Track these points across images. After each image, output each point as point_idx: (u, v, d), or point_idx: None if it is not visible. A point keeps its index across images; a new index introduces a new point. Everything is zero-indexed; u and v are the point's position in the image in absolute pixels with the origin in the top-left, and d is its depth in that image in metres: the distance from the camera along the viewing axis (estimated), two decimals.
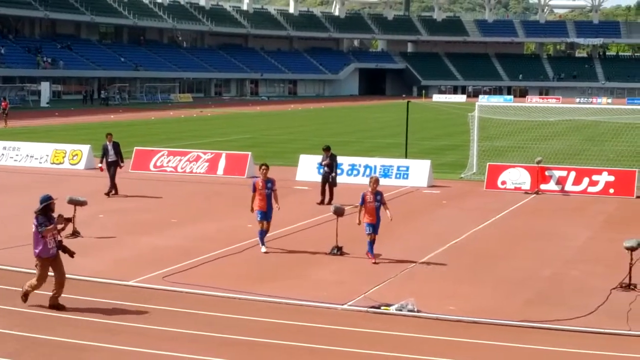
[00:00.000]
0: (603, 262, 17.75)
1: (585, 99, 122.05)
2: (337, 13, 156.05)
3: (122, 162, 26.79)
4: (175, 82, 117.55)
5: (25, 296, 13.85)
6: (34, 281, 13.77)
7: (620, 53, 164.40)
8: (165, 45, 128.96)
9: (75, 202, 20.10)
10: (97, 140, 43.72)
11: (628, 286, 15.43)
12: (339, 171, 27.46)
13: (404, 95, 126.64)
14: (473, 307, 14.08)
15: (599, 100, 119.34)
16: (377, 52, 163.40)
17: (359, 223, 17.42)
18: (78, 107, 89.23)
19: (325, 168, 25.29)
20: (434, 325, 13.19)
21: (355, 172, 30.45)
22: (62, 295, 13.78)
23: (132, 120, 67.77)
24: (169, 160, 32.88)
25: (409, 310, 13.80)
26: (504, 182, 28.84)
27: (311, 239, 19.87)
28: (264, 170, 18.42)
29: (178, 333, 12.54)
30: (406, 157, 33.67)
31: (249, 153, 32.76)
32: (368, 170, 30.28)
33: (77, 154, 34.30)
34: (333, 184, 25.18)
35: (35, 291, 13.75)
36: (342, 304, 14.21)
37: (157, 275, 16.08)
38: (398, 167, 30.21)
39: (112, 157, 26.29)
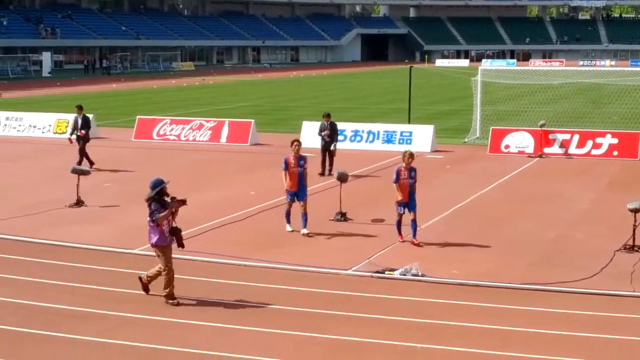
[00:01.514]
0: (607, 224, 17.76)
1: (589, 62, 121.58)
2: None
3: (85, 135, 25.22)
4: (177, 51, 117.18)
5: (146, 289, 12.84)
6: (154, 271, 12.75)
7: (623, 15, 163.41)
8: (166, 13, 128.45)
9: (79, 172, 20.15)
10: (100, 109, 43.86)
11: (632, 248, 15.47)
12: (341, 137, 27.43)
13: (406, 61, 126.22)
14: (477, 271, 14.12)
15: (602, 62, 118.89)
16: (379, 17, 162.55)
17: (399, 201, 15.96)
18: (80, 76, 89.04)
19: (326, 138, 24.62)
20: (438, 289, 13.23)
21: (358, 138, 30.43)
22: (68, 263, 13.78)
23: (134, 89, 67.66)
24: (172, 129, 32.83)
25: (413, 275, 13.84)
26: (507, 146, 28.81)
27: (315, 205, 19.85)
28: (297, 147, 17.06)
29: (183, 300, 12.58)
30: (409, 122, 33.61)
31: (252, 120, 32.72)
32: (371, 137, 30.26)
33: None
34: (333, 153, 24.61)
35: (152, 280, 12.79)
36: (347, 269, 14.26)
37: None
38: (401, 133, 30.18)
39: (81, 130, 25.19)
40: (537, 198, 21.06)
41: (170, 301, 12.40)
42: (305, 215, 16.71)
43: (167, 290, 12.44)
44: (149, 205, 12.55)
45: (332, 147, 24.48)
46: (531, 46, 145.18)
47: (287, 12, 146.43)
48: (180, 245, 12.68)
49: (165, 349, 10.65)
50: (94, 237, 16.58)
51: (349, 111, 44.83)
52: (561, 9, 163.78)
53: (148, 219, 12.55)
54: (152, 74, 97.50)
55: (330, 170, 24.18)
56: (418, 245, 15.76)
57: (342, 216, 18.17)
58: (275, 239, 16.61)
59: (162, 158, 28.32)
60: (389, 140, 29.91)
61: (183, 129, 32.70)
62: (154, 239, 12.59)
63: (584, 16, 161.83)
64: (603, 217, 18.65)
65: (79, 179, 19.96)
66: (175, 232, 12.63)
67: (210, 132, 32.25)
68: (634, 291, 13.13)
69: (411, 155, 16.11)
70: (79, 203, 19.72)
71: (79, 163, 24.50)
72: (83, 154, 25.32)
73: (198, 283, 13.56)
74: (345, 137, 30.09)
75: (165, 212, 12.44)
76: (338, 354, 10.56)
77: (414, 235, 15.90)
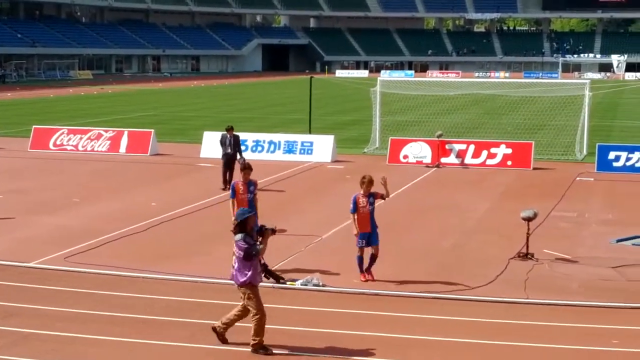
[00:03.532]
0: (501, 233, 18.13)
1: (484, 73, 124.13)
2: None
3: None
4: (74, 59, 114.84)
5: (224, 340, 11.16)
6: (233, 315, 11.20)
7: (517, 27, 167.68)
8: (63, 20, 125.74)
9: None
10: None
11: (525, 255, 15.83)
12: (243, 147, 27.31)
13: (307, 71, 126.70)
14: (377, 280, 14.22)
15: (496, 74, 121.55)
16: (280, 27, 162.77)
17: (357, 234, 14.15)
18: None
19: (229, 150, 23.71)
20: (339, 299, 13.29)
21: (259, 148, 30.38)
22: None
23: (31, 99, 66.04)
24: (69, 139, 32.17)
25: (314, 285, 13.88)
26: (405, 156, 29.18)
27: (214, 216, 19.76)
28: (245, 172, 15.36)
29: (78, 313, 12.30)
30: (310, 132, 33.74)
31: (152, 130, 32.33)
32: (272, 147, 30.27)
33: None
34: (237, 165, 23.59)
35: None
36: None
37: (59, 255, 15.76)
38: (302, 143, 30.26)
39: None
40: (434, 207, 21.39)
41: (262, 351, 10.82)
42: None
43: (258, 339, 10.86)
44: (244, 239, 10.90)
45: (239, 159, 22.99)
46: (428, 58, 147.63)
47: (187, 21, 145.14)
48: (278, 281, 12.73)
49: None
50: None
51: (250, 121, 44.74)
52: (457, 22, 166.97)
53: (240, 254, 10.88)
54: (49, 82, 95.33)
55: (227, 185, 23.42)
56: (372, 279, 14.11)
57: None
58: (175, 250, 16.41)
59: (60, 168, 27.72)
60: (290, 150, 29.97)
61: (81, 139, 32.06)
62: (246, 276, 10.89)
63: (479, 29, 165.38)
64: (498, 226, 19.03)
65: None
66: (268, 269, 12.18)
67: (109, 142, 31.72)
68: (527, 298, 13.45)
69: (370, 181, 14.24)
70: None
71: None
72: None
73: (92, 296, 13.28)
74: (247, 147, 30.00)
75: (264, 245, 11.04)
76: None
77: (369, 269, 14.24)
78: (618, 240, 17.50)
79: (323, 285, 13.86)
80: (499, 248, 16.65)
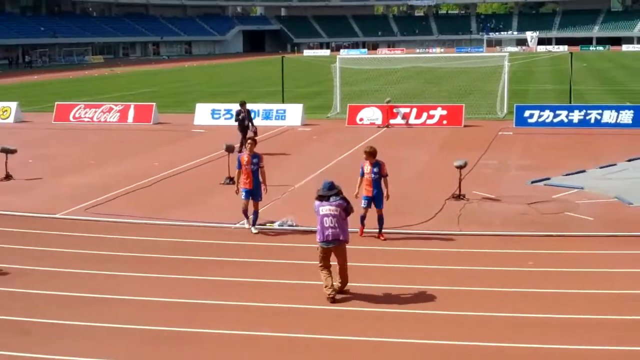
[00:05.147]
0: (439, 179, 18.17)
1: (424, 50, 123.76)
2: None
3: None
4: (88, 46, 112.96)
5: (333, 299, 9.97)
6: (341, 278, 10.24)
7: (449, 12, 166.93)
8: (78, 15, 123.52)
9: (7, 151, 19.30)
10: (25, 97, 41.93)
11: (458, 197, 15.93)
12: (228, 116, 27.14)
13: (280, 52, 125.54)
14: None
15: (434, 50, 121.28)
16: (257, 16, 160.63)
17: (357, 196, 13.08)
18: (5, 70, 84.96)
19: (245, 122, 21.95)
20: (310, 237, 13.28)
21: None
22: (5, 228, 13.18)
23: (53, 80, 64.95)
24: (86, 112, 31.73)
25: (289, 226, 13.89)
26: (361, 119, 29.11)
27: (208, 172, 19.67)
28: (250, 145, 13.95)
29: (97, 255, 12.25)
30: (283, 102, 33.51)
31: (154, 103, 31.93)
32: (253, 114, 29.74)
33: (6, 110, 32.65)
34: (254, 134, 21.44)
35: None
36: (234, 224, 14.16)
37: (80, 208, 15.64)
38: (277, 111, 30.08)
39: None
40: (385, 160, 21.10)
41: (331, 298, 9.94)
42: (255, 214, 13.65)
43: (344, 287, 10.26)
44: (343, 199, 10.20)
45: (251, 128, 21.77)
46: (378, 38, 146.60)
47: (180, 12, 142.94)
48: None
49: (87, 296, 10.36)
50: (21, 205, 15.91)
51: (234, 94, 44.29)
52: (401, 8, 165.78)
53: (341, 213, 10.12)
54: (68, 66, 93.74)
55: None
56: (384, 239, 13.02)
57: (231, 180, 17.97)
58: (177, 201, 16.33)
59: (78, 137, 27.36)
60: (267, 117, 29.77)
61: (95, 112, 31.64)
62: (347, 232, 10.21)
63: (419, 13, 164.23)
64: (436, 173, 19.08)
65: (7, 157, 19.10)
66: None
67: (118, 114, 31.32)
68: (460, 230, 13.56)
69: (370, 152, 13.24)
70: (8, 177, 18.88)
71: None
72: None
73: (110, 240, 13.21)
74: (232, 115, 29.77)
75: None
76: (221, 291, 10.51)
77: (380, 231, 13.16)
78: (532, 182, 17.65)
79: (297, 226, 13.87)
80: (437, 191, 16.72)
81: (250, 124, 22.14)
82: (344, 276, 10.26)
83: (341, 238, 10.09)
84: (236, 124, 22.45)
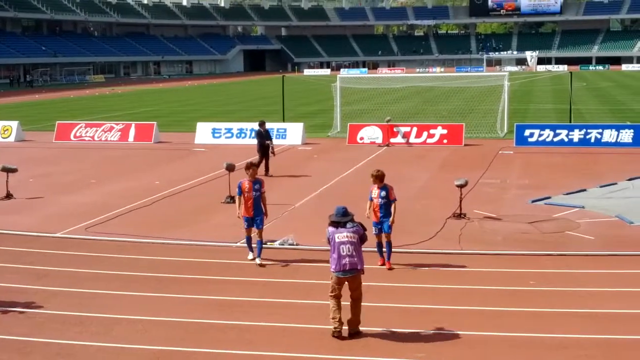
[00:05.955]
0: (439, 197, 18.20)
1: (424, 69, 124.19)
2: (222, 4, 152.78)
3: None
4: (89, 66, 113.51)
5: (340, 334, 9.27)
6: (356, 310, 9.46)
7: (449, 31, 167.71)
8: (79, 34, 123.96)
9: (8, 170, 19.33)
10: (26, 117, 42.03)
11: (459, 215, 15.94)
12: (229, 135, 27.20)
13: (280, 71, 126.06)
14: None
15: (434, 69, 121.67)
16: (258, 35, 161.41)
17: (368, 216, 12.52)
18: (6, 89, 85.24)
19: (267, 142, 21.90)
20: (310, 255, 13.29)
21: (243, 135, 30.20)
22: (5, 247, 13.16)
23: (54, 99, 65.13)
24: (87, 131, 31.80)
25: (290, 244, 13.88)
26: (362, 138, 29.17)
27: (209, 191, 19.67)
28: (252, 171, 13.03)
29: (98, 274, 12.23)
30: (284, 121, 33.59)
31: (155, 122, 32.02)
32: (253, 133, 29.92)
33: (7, 129, 32.75)
34: (272, 154, 22.03)
35: None
36: (235, 243, 14.15)
37: (80, 227, 15.63)
38: (277, 129, 30.12)
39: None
40: (385, 179, 21.32)
41: (336, 334, 9.25)
42: (260, 243, 12.87)
43: (357, 323, 9.46)
44: (360, 225, 9.68)
45: (270, 145, 21.89)
46: (378, 57, 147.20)
47: (181, 32, 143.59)
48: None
49: (88, 315, 10.33)
50: (22, 224, 15.91)
51: (234, 113, 44.43)
52: (401, 28, 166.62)
53: (356, 239, 9.52)
54: (69, 85, 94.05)
55: (267, 171, 21.75)
56: (390, 268, 12.36)
57: (231, 199, 18.01)
58: (178, 220, 16.32)
59: (79, 156, 27.40)
60: None
61: (96, 131, 31.71)
62: (363, 261, 9.53)
63: (419, 33, 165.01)
64: (436, 192, 19.10)
65: (7, 176, 19.12)
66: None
67: (119, 133, 31.39)
68: (461, 249, 13.55)
69: (377, 176, 12.52)
70: (8, 196, 18.90)
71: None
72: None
73: (110, 259, 13.20)
74: (232, 134, 29.90)
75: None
76: (222, 310, 10.48)
77: (388, 257, 12.47)
78: (533, 201, 17.67)
79: (297, 244, 13.86)
80: (438, 210, 16.73)
81: (269, 144, 21.85)
82: (356, 312, 9.39)
83: (359, 267, 9.35)
84: (255, 142, 22.11)
